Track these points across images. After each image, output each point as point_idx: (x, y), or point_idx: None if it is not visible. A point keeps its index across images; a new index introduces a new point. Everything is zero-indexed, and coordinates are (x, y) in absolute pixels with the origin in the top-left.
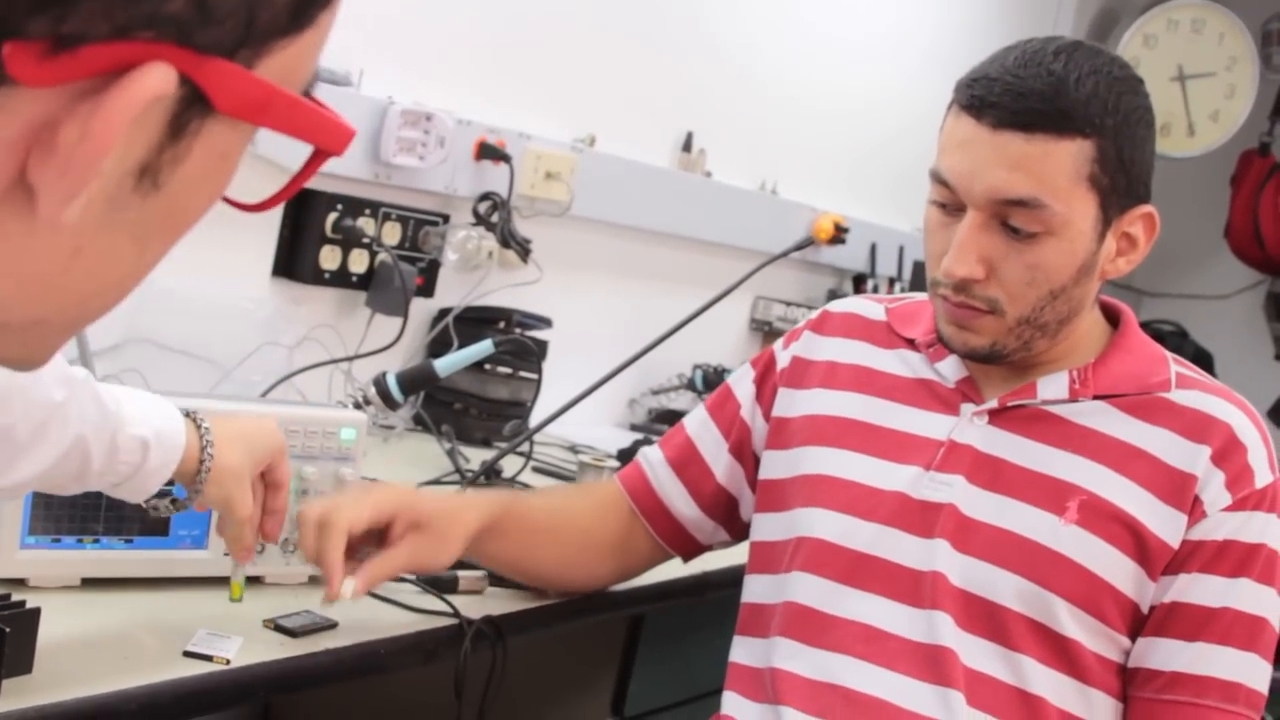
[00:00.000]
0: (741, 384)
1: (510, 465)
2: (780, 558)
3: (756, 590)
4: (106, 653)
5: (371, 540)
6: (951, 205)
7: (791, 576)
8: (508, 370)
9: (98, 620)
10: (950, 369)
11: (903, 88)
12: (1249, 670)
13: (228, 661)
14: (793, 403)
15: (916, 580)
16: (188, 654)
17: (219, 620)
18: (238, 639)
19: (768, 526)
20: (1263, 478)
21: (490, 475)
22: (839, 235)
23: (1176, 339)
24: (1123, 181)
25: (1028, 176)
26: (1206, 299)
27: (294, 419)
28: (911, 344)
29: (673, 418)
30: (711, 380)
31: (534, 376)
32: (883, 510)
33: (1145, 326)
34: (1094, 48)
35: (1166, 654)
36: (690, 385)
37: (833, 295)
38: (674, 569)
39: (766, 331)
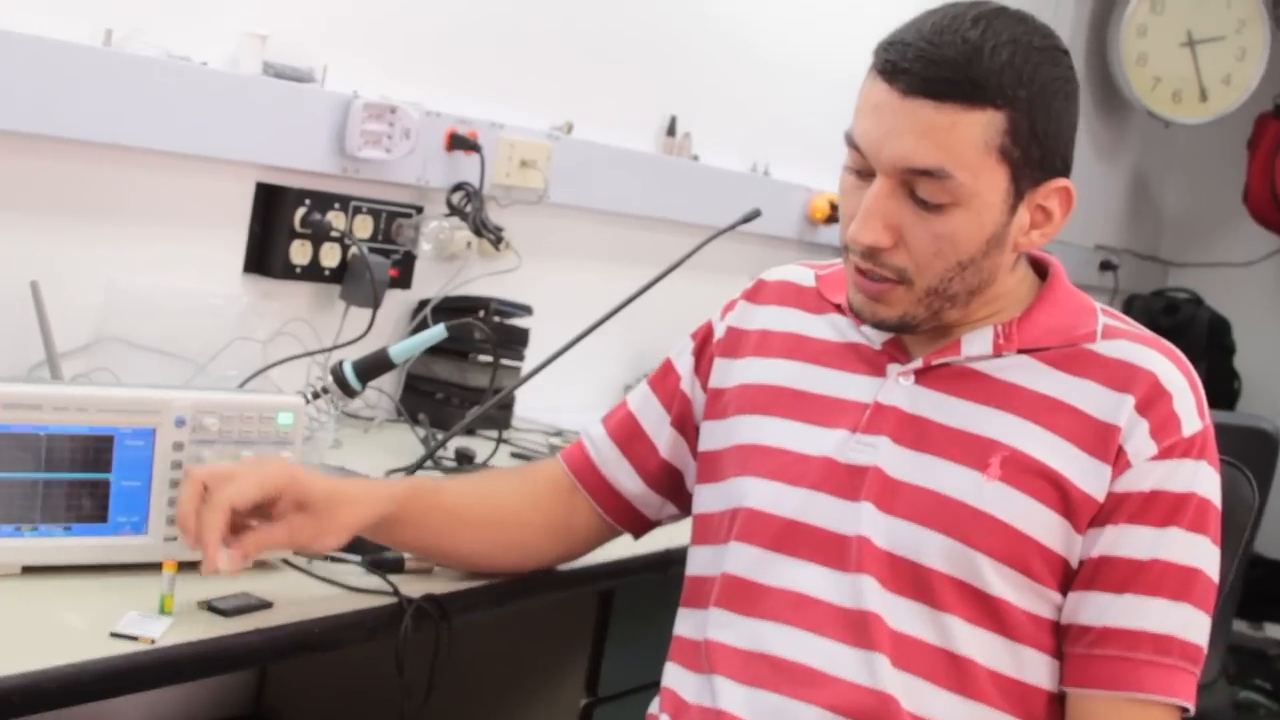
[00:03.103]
0: (681, 357)
1: (485, 450)
2: (719, 529)
3: (698, 562)
4: (35, 636)
5: (257, 515)
6: (864, 170)
7: (729, 548)
8: (488, 358)
9: (32, 607)
10: (876, 332)
11: None
12: (1182, 621)
13: (152, 642)
14: (728, 373)
15: (842, 544)
16: (115, 635)
17: (154, 604)
18: (166, 620)
19: (707, 497)
20: (1190, 425)
21: (463, 460)
22: (834, 214)
23: (1191, 306)
24: (1036, 154)
25: (935, 146)
26: (1230, 266)
27: (229, 404)
28: (839, 309)
29: None
30: None
31: (517, 364)
32: (810, 476)
33: (1159, 295)
34: (1018, 15)
35: (1097, 608)
36: None
37: None
38: (634, 544)
39: None
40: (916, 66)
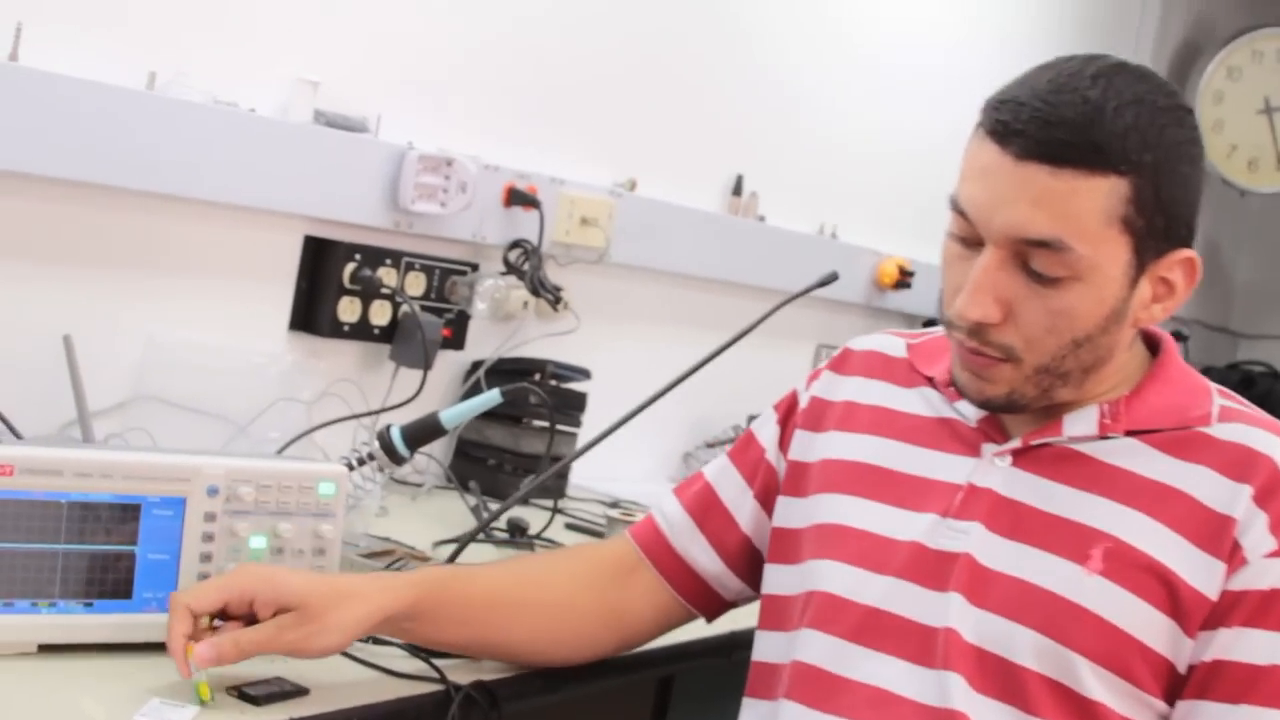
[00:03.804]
0: (765, 428)
1: (539, 521)
2: (791, 614)
3: (766, 648)
4: None
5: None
6: (970, 239)
7: (801, 635)
8: (543, 424)
9: (47, 691)
10: (972, 408)
11: (964, 123)
12: None
13: None
14: (810, 446)
15: (928, 638)
16: None
17: (179, 687)
18: (192, 709)
19: (779, 578)
20: None
21: (516, 532)
22: (904, 279)
23: (1268, 380)
24: (1160, 223)
25: (1051, 216)
26: None
27: (266, 473)
28: (932, 382)
29: None
30: None
31: (573, 430)
32: (895, 562)
33: (1234, 368)
34: (1139, 71)
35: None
36: None
37: None
38: (696, 627)
39: None
40: (1031, 128)
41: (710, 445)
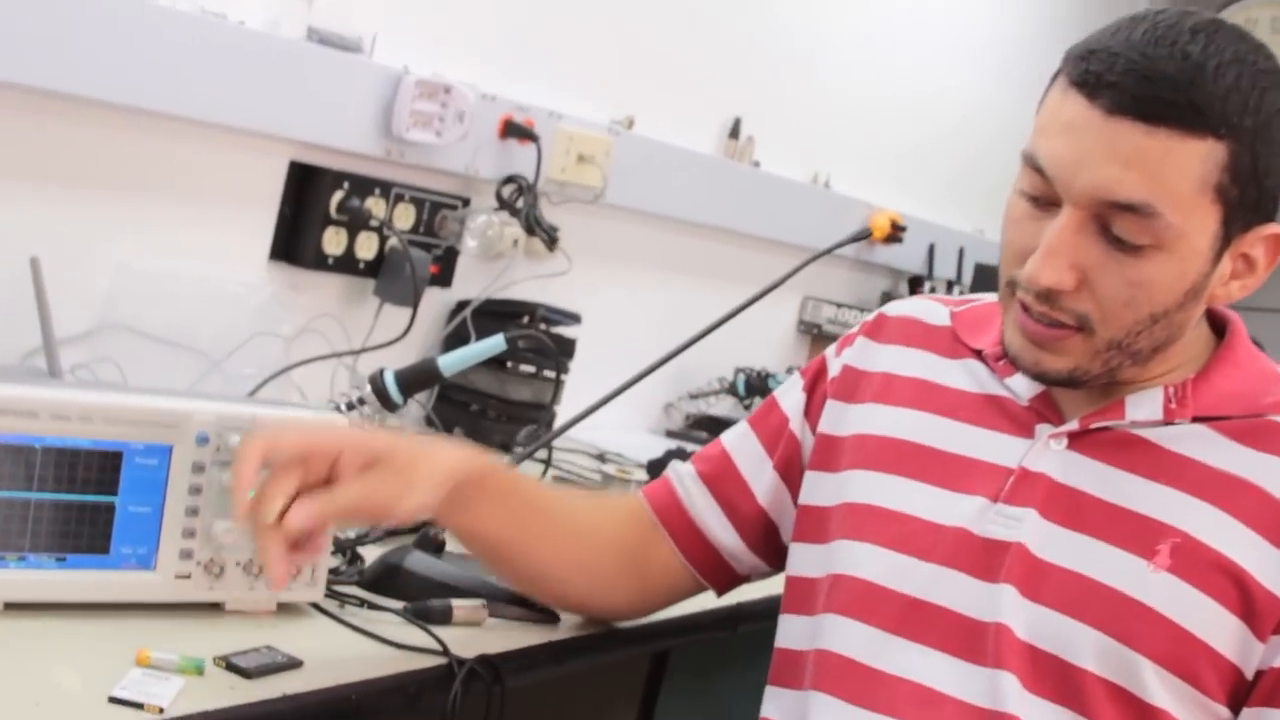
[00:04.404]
0: (789, 395)
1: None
2: (816, 597)
3: (790, 633)
4: (14, 699)
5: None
6: (1044, 198)
7: (825, 620)
8: (530, 369)
9: (13, 657)
10: (1024, 384)
11: (962, 79)
12: None
13: (160, 711)
14: (842, 419)
15: (978, 632)
16: (114, 700)
17: (163, 653)
18: (178, 681)
19: (805, 559)
20: None
21: None
22: (896, 233)
23: None
24: (1253, 195)
25: (1143, 178)
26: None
27: (259, 420)
28: (979, 354)
29: (712, 424)
30: (755, 385)
31: (553, 376)
32: (941, 549)
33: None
34: (1237, 30)
35: None
36: (731, 390)
37: (887, 297)
38: (701, 599)
39: (815, 334)
40: (1127, 81)
41: (693, 396)
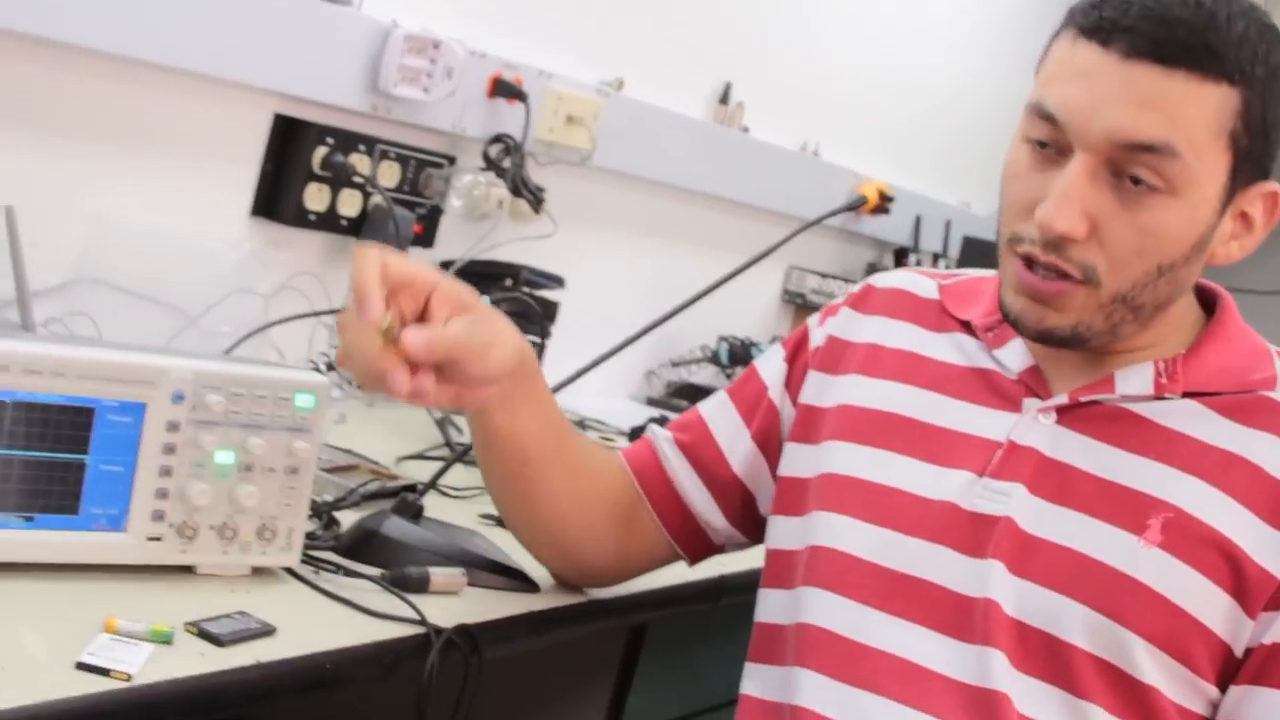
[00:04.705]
0: (769, 364)
1: None
2: (795, 570)
3: (770, 607)
4: None
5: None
6: (1054, 146)
7: (805, 593)
8: None
9: None
10: (1013, 357)
11: (953, 52)
12: None
13: (129, 678)
14: (825, 390)
15: (965, 608)
16: (81, 666)
17: (131, 619)
18: (146, 647)
19: (784, 531)
20: None
21: None
22: (883, 204)
23: None
24: (1259, 148)
25: (1163, 118)
26: (1259, 294)
27: (239, 379)
28: (967, 327)
29: (693, 392)
30: (738, 354)
31: (538, 340)
32: (928, 524)
33: None
34: None
35: (1267, 707)
36: (714, 358)
37: (872, 269)
38: (684, 571)
39: (799, 304)
40: (1144, 25)
41: (675, 364)
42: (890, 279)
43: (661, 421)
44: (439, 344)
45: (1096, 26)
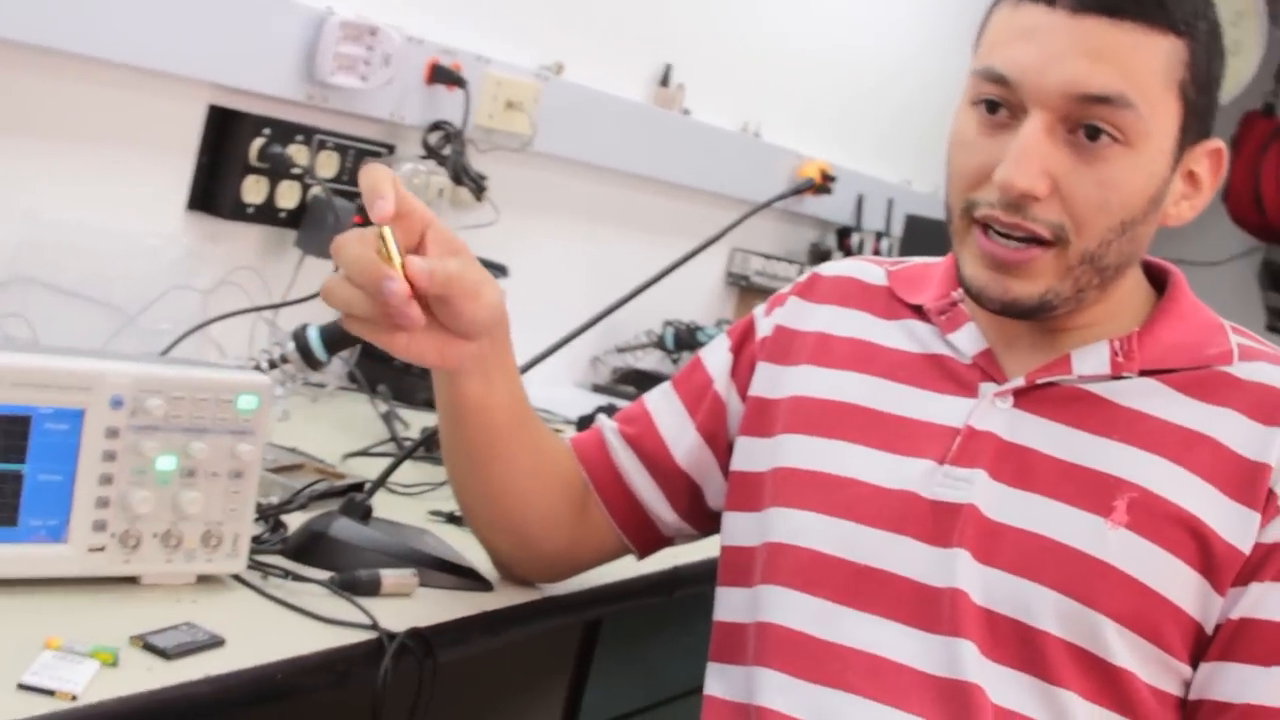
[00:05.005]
0: (714, 354)
1: None
2: (753, 567)
3: (729, 606)
4: None
5: None
6: (1006, 107)
7: (764, 591)
8: None
9: None
10: (967, 341)
11: (892, 31)
12: None
13: (73, 698)
14: (776, 381)
15: (931, 599)
16: (23, 686)
17: (75, 637)
18: (91, 665)
19: (740, 528)
20: None
21: (431, 445)
22: (825, 184)
23: None
24: (1204, 103)
25: (1115, 69)
26: (1197, 265)
27: (180, 382)
28: (919, 312)
29: (639, 378)
30: (683, 338)
31: None
32: (888, 514)
33: None
34: None
35: (1237, 682)
36: (659, 343)
37: (815, 248)
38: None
39: (743, 286)
40: None
41: (621, 350)
42: (837, 267)
43: (609, 410)
44: (440, 274)
45: None
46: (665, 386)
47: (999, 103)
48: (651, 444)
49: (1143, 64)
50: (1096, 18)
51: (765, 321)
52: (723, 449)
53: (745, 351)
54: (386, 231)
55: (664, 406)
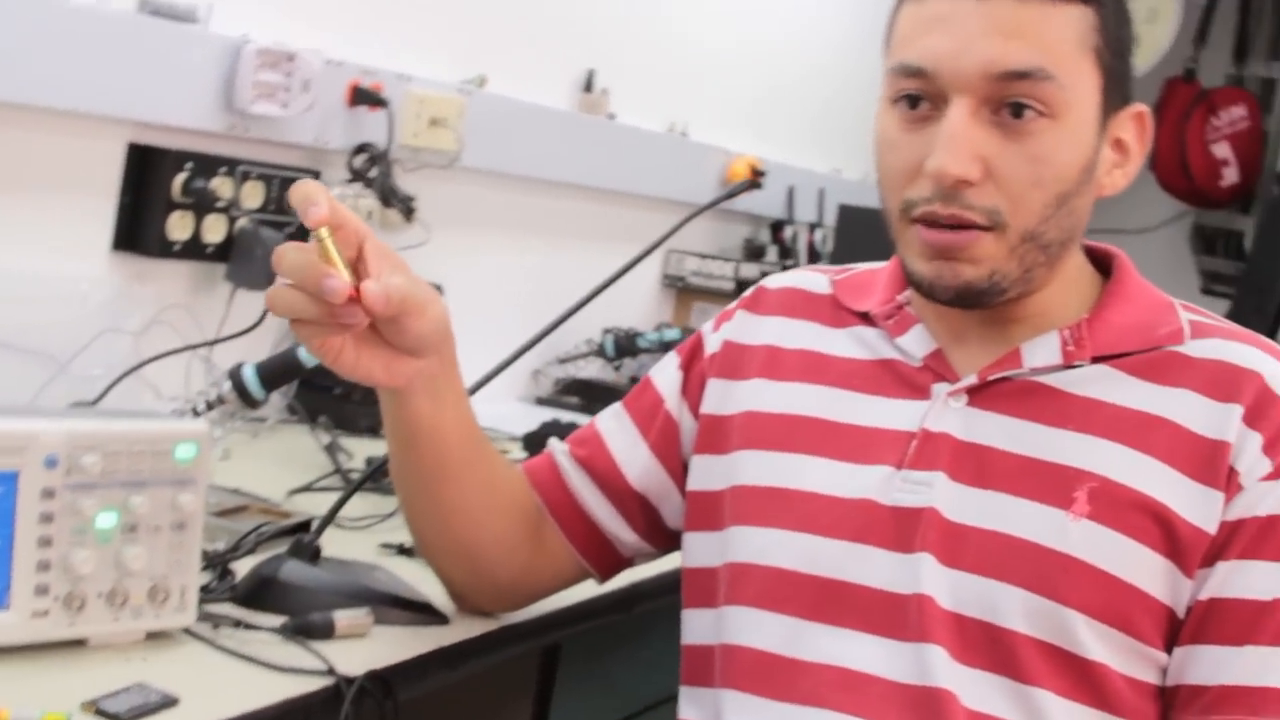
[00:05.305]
0: (664, 373)
1: None
2: (716, 588)
3: (695, 629)
4: None
5: None
6: (927, 99)
7: (730, 613)
8: None
9: None
10: (916, 343)
11: (816, 21)
12: None
13: None
14: (727, 397)
15: (898, 606)
16: None
17: (25, 706)
18: None
19: (700, 548)
20: None
21: (378, 475)
22: (755, 180)
23: None
24: (1120, 68)
25: (1029, 43)
26: (1129, 233)
27: (115, 437)
28: (866, 318)
29: (583, 388)
30: (623, 345)
31: None
32: (848, 524)
33: None
34: None
35: (1212, 664)
36: (600, 351)
37: (749, 244)
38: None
39: (680, 288)
40: None
41: (562, 361)
42: (782, 279)
43: (556, 424)
44: (395, 293)
45: None
46: (616, 407)
47: (919, 96)
48: (603, 465)
49: (1056, 35)
50: None
51: (713, 337)
52: (678, 469)
53: (695, 369)
54: (323, 232)
55: (615, 427)
